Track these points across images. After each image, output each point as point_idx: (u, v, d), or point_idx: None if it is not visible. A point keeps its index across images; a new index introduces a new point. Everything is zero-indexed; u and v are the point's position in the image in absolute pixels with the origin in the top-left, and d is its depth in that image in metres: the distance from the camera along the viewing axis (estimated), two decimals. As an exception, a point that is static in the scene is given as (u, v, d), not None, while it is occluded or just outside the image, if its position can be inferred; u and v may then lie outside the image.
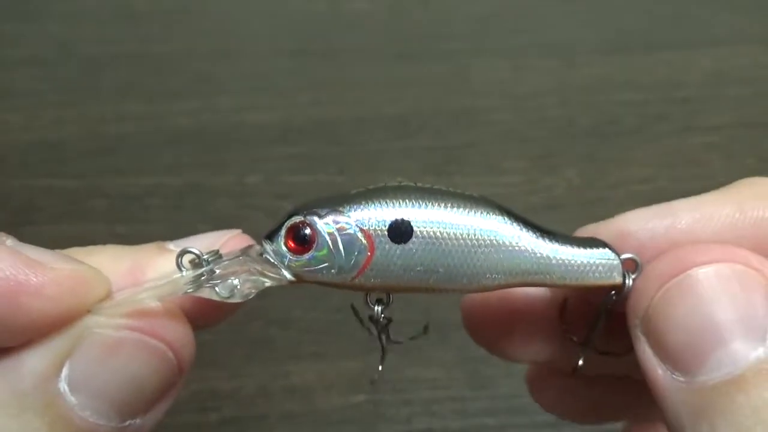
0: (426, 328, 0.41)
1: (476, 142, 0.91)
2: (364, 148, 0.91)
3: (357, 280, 0.36)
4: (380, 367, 0.40)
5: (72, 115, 0.93)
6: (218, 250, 0.36)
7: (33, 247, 0.33)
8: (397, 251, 0.35)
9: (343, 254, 0.35)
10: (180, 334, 0.35)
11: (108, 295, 0.34)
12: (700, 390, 0.32)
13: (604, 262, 0.36)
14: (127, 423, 0.34)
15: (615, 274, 0.36)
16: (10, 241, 0.33)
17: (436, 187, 0.37)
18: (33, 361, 0.32)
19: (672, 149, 0.91)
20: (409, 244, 0.35)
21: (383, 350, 0.40)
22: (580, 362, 0.41)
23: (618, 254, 0.36)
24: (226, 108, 0.94)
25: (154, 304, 0.34)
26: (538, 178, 0.88)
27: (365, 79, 0.97)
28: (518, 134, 0.92)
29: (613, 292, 0.37)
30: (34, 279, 0.32)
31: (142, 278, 0.35)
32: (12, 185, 0.88)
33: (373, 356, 0.41)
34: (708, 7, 1.04)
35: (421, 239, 0.35)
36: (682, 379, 0.32)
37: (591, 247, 0.37)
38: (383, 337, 0.39)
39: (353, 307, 0.40)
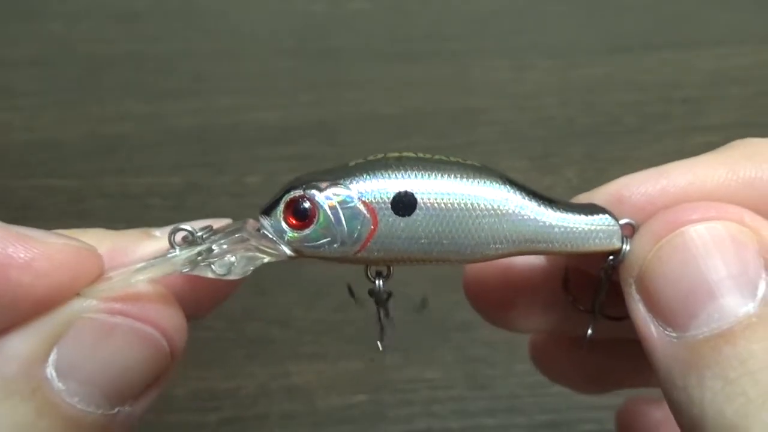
0: (424, 302, 0.41)
1: (476, 141, 0.91)
2: (364, 148, 0.90)
3: (360, 254, 0.35)
4: (379, 344, 0.39)
5: (72, 115, 0.93)
6: (211, 226, 0.35)
7: (23, 227, 0.33)
8: (401, 224, 0.35)
9: (346, 228, 0.34)
10: (173, 319, 0.34)
11: (101, 274, 0.33)
12: (691, 344, 0.32)
13: (604, 228, 0.36)
14: (117, 410, 0.33)
15: (614, 239, 0.36)
16: None
17: (437, 157, 0.36)
18: (19, 344, 0.32)
19: (672, 149, 0.91)
20: (413, 216, 0.35)
21: (382, 326, 0.39)
22: (590, 332, 0.42)
23: (617, 219, 0.36)
24: (226, 108, 0.94)
25: (146, 287, 0.33)
26: (538, 178, 0.88)
27: (365, 79, 0.97)
28: (518, 134, 0.92)
29: (611, 257, 0.36)
30: (24, 253, 0.31)
31: (123, 261, 0.34)
32: (12, 185, 0.88)
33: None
34: (708, 7, 1.04)
35: (425, 211, 0.35)
36: (673, 334, 0.33)
37: (591, 213, 0.37)
38: (381, 312, 0.38)
39: (349, 287, 0.39)
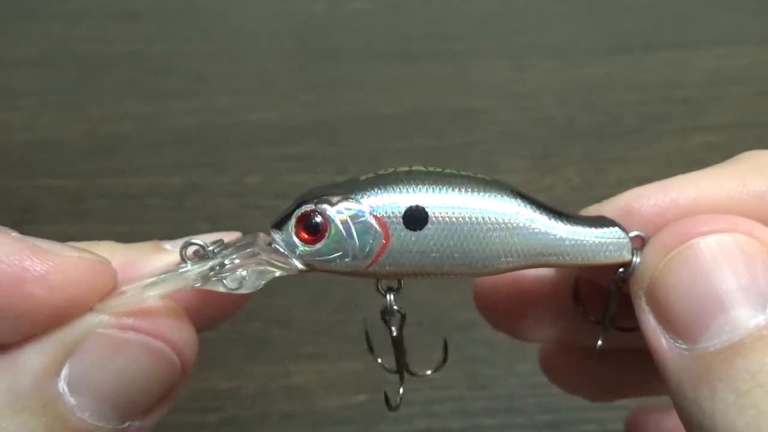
0: (445, 352, 0.42)
1: (476, 141, 0.91)
2: (364, 148, 0.91)
3: (371, 268, 0.35)
4: (401, 391, 0.40)
5: (72, 115, 0.93)
6: (222, 240, 0.35)
7: (39, 239, 0.33)
8: (413, 238, 0.35)
9: (357, 242, 0.35)
10: (183, 335, 0.34)
11: (114, 288, 0.33)
12: (701, 356, 0.32)
13: (614, 240, 0.36)
14: (127, 424, 0.33)
15: (625, 252, 0.36)
16: (15, 234, 0.32)
17: (447, 170, 0.36)
18: (31, 359, 0.32)
19: (672, 149, 0.91)
20: (425, 231, 0.35)
21: (401, 375, 0.39)
22: (599, 342, 0.42)
23: (627, 232, 0.36)
24: (226, 108, 0.94)
25: (156, 302, 0.34)
26: (538, 178, 0.88)
27: (365, 79, 0.97)
28: (518, 134, 0.92)
29: (622, 269, 0.37)
30: (40, 266, 0.31)
31: (134, 275, 0.34)
32: (12, 185, 0.87)
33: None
34: (708, 7, 1.04)
35: (436, 225, 0.35)
36: (684, 346, 0.33)
37: (601, 226, 0.37)
38: (400, 359, 0.39)
39: (367, 334, 0.40)
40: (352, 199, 0.35)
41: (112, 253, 0.35)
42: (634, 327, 0.36)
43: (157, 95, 0.95)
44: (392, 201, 0.35)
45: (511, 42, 1.01)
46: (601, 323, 0.41)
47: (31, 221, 0.85)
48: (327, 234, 0.35)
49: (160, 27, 1.02)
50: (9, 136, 0.92)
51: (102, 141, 0.92)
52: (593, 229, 0.36)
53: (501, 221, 0.35)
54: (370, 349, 0.40)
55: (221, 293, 0.35)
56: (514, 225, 0.35)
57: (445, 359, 0.41)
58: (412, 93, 0.96)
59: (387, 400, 0.41)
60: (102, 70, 0.98)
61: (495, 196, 0.35)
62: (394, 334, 0.38)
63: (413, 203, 0.35)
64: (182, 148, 0.91)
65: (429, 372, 0.41)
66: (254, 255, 0.35)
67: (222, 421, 0.73)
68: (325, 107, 0.95)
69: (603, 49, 1.00)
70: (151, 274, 0.34)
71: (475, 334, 0.76)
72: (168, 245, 0.36)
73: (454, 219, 0.35)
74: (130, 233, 0.85)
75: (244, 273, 0.35)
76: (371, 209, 0.35)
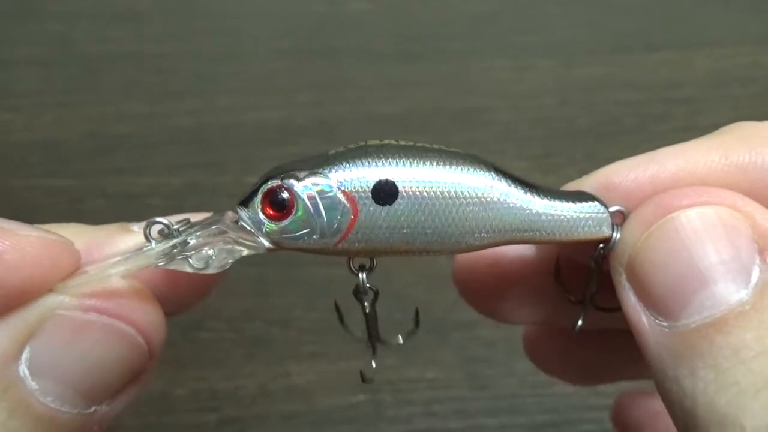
0: (417, 321, 0.40)
1: (476, 142, 0.91)
2: (364, 148, 0.91)
3: (340, 245, 0.34)
4: (373, 364, 0.39)
5: (72, 115, 0.93)
6: (189, 219, 0.34)
7: None
8: (382, 213, 0.34)
9: (325, 218, 0.33)
10: (150, 316, 0.33)
11: (78, 268, 0.32)
12: (682, 333, 0.31)
13: (593, 215, 0.35)
14: (93, 409, 0.32)
15: (604, 227, 0.35)
16: None
17: (419, 144, 0.35)
18: None
19: (672, 149, 0.91)
20: (395, 205, 0.34)
21: (374, 347, 0.38)
22: (580, 322, 0.40)
23: (606, 207, 0.35)
24: (226, 108, 0.94)
25: (121, 283, 0.32)
26: (538, 178, 0.88)
27: (365, 79, 0.97)
28: (518, 134, 0.92)
29: (602, 245, 0.35)
30: None
31: (101, 256, 0.33)
32: (12, 185, 0.87)
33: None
34: (708, 7, 1.04)
35: (407, 199, 0.34)
36: (664, 324, 0.32)
37: (579, 201, 0.35)
38: (372, 333, 0.38)
39: (336, 305, 0.39)
40: (320, 173, 0.34)
41: (77, 234, 0.34)
42: (615, 307, 0.35)
43: (157, 95, 0.95)
44: (361, 175, 0.34)
45: (511, 42, 1.01)
46: (581, 303, 0.40)
47: (31, 221, 0.85)
48: (294, 210, 0.33)
49: (160, 27, 1.02)
50: (9, 136, 0.92)
51: (102, 141, 0.92)
52: (571, 204, 0.35)
53: (474, 195, 0.34)
54: (341, 320, 0.39)
55: (189, 274, 0.34)
56: (488, 199, 0.34)
57: (416, 326, 0.40)
58: (412, 93, 0.96)
59: (362, 377, 0.40)
60: (102, 70, 0.98)
61: (468, 169, 0.34)
62: (367, 310, 0.37)
63: (382, 177, 0.34)
64: (182, 148, 0.91)
65: (401, 340, 0.39)
66: (220, 233, 0.34)
67: (221, 421, 0.73)
68: (324, 107, 0.95)
69: (603, 49, 1.00)
70: (117, 255, 0.33)
71: (475, 334, 0.76)
72: (135, 227, 0.36)
73: (425, 193, 0.34)
74: (130, 233, 0.85)
75: (211, 252, 0.34)
76: (339, 184, 0.33)
